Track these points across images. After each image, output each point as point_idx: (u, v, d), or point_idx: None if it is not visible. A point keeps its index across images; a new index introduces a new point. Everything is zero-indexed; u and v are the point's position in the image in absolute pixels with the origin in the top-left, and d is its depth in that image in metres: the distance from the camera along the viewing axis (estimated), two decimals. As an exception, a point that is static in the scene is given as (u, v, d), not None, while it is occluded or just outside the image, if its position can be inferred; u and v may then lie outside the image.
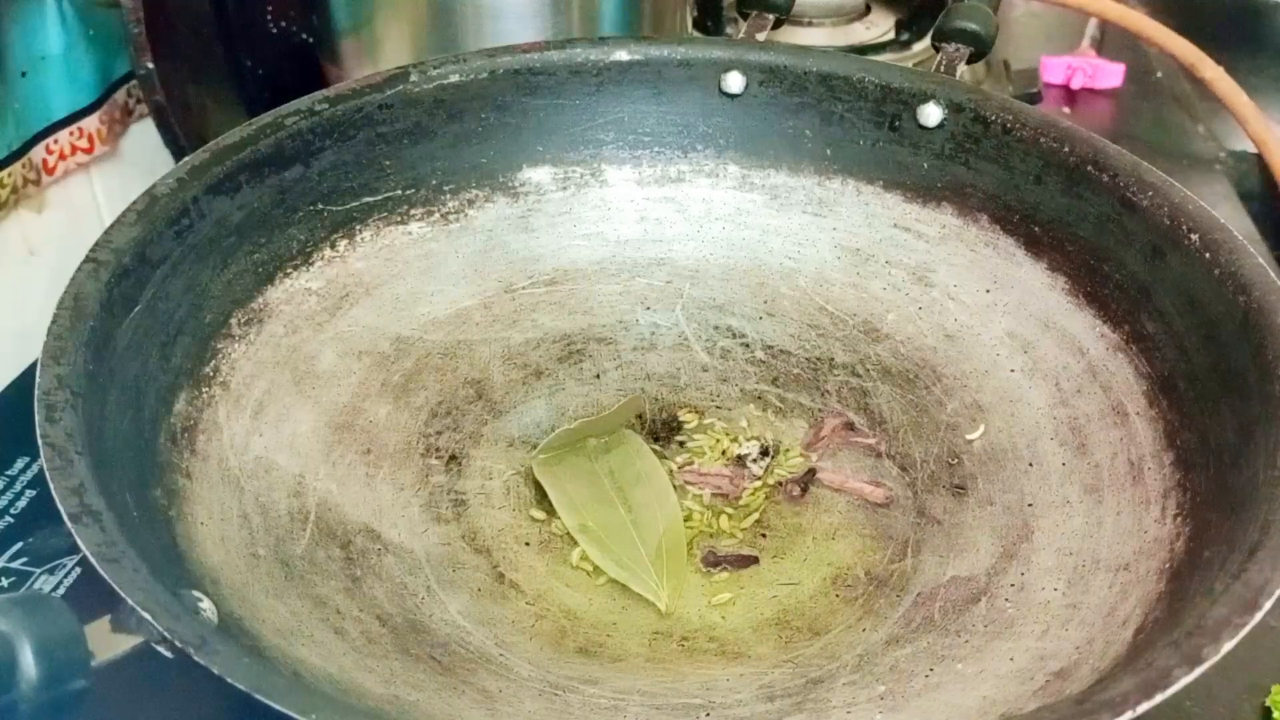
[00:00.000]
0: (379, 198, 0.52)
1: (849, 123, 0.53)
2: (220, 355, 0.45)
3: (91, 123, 0.61)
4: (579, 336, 0.52)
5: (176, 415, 0.42)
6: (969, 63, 0.54)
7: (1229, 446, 0.38)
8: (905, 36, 0.76)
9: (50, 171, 0.59)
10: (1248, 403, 0.38)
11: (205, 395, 0.43)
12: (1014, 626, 0.39)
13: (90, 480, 0.33)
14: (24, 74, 0.57)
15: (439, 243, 0.53)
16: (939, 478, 0.46)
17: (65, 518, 0.31)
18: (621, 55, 0.54)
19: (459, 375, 0.50)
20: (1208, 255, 0.42)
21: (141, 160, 0.65)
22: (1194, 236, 0.43)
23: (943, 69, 0.53)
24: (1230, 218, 0.66)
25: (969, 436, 0.47)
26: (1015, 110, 0.50)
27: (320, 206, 0.50)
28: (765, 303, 0.53)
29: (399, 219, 0.52)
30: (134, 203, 0.43)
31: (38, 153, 0.58)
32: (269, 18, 0.66)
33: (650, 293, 0.54)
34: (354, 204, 0.51)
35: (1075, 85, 0.87)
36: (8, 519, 0.49)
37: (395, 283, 0.51)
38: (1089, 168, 0.47)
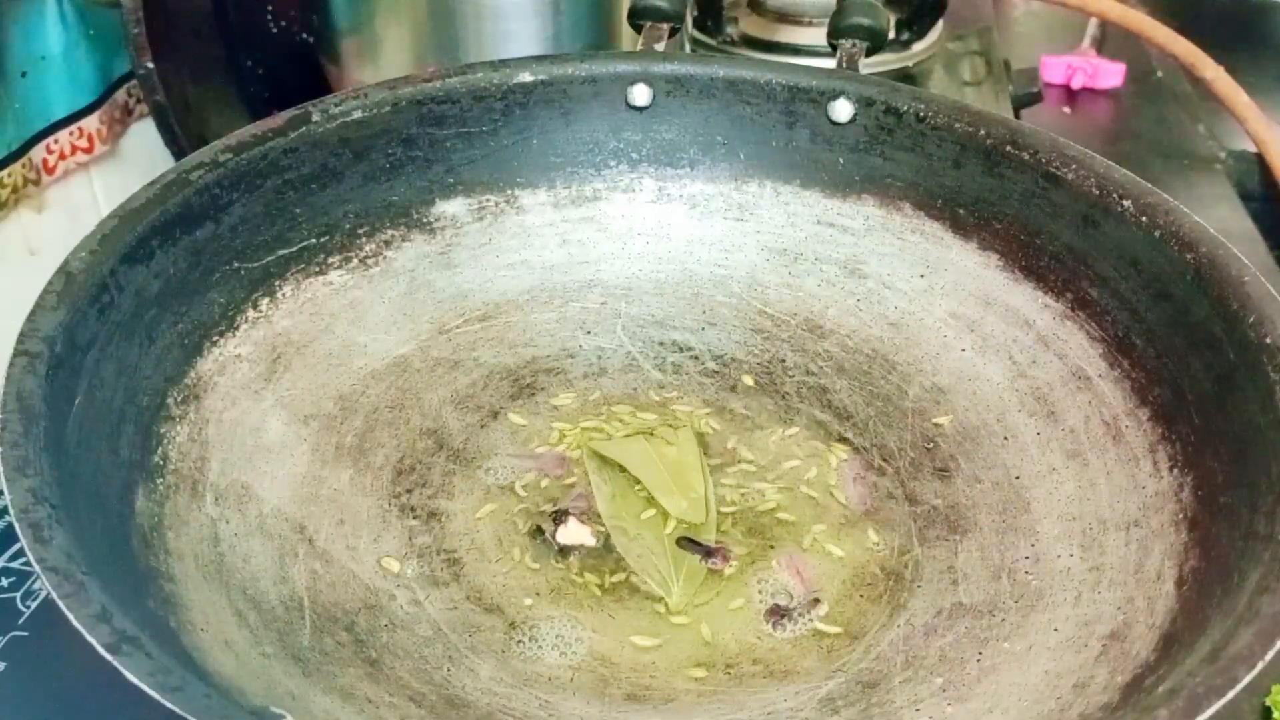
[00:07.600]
0: (294, 249, 0.48)
1: (760, 125, 0.53)
2: (165, 441, 0.40)
3: (91, 123, 0.62)
4: (525, 370, 0.50)
5: (140, 514, 0.37)
6: (867, 55, 0.55)
7: (1209, 396, 0.41)
8: (905, 36, 0.75)
9: (50, 171, 0.59)
10: (1219, 353, 0.41)
11: (160, 487, 0.39)
12: (1044, 597, 0.40)
13: (110, 602, 0.29)
14: (24, 74, 0.57)
15: (362, 290, 0.49)
16: (920, 464, 0.46)
17: (101, 649, 0.27)
18: (525, 77, 0.52)
19: (413, 427, 0.47)
20: (1144, 219, 0.45)
21: (141, 160, 0.64)
22: (1126, 203, 0.45)
23: (844, 66, 0.54)
24: (1230, 218, 0.67)
25: (937, 419, 0.48)
26: (927, 99, 0.51)
27: (236, 265, 0.46)
28: (704, 313, 0.53)
29: (317, 269, 0.49)
30: (50, 283, 0.38)
31: (38, 153, 0.58)
32: (269, 17, 0.66)
33: (587, 316, 0.52)
34: (269, 258, 0.47)
35: (1075, 85, 0.88)
36: (7, 519, 0.44)
37: (325, 338, 0.48)
38: (1008, 147, 0.49)
